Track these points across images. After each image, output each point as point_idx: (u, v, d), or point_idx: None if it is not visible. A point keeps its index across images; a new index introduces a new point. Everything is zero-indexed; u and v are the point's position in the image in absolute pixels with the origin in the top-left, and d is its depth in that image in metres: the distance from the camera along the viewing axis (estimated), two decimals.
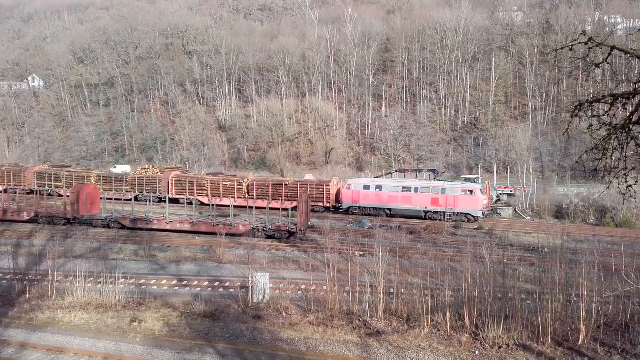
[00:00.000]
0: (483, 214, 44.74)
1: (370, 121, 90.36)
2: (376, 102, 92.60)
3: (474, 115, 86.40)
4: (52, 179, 59.04)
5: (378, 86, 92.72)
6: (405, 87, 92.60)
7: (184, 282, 25.93)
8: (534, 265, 25.77)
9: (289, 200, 49.44)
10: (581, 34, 6.73)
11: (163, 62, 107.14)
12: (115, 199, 44.87)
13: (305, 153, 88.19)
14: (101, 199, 43.03)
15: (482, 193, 45.23)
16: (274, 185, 50.69)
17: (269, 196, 48.96)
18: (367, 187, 48.25)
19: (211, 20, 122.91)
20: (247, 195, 50.61)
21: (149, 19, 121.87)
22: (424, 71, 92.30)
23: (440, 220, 44.25)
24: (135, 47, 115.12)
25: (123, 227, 39.91)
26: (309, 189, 49.53)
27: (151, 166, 66.50)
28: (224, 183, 52.63)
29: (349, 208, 48.47)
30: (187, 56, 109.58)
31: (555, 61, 66.26)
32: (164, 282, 26.15)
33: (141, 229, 38.65)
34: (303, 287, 24.71)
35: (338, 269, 22.58)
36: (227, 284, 25.58)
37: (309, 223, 39.18)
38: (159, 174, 57.50)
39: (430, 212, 45.36)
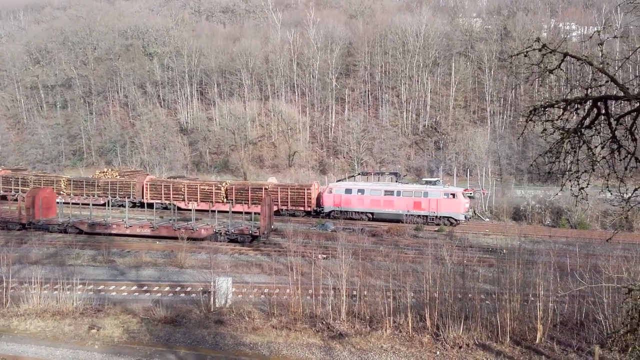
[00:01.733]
0: (465, 217, 44.93)
1: (333, 124, 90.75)
2: (339, 105, 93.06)
3: (434, 119, 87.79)
4: (19, 183, 56.84)
5: (341, 90, 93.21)
6: (368, 90, 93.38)
7: (144, 288, 25.48)
8: (492, 266, 26.34)
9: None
10: (535, 40, 6.93)
11: (122, 63, 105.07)
12: (83, 204, 43.64)
13: (268, 156, 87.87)
14: (64, 203, 41.91)
15: (464, 196, 45.50)
16: (254, 190, 49.87)
17: (248, 200, 48.50)
18: (348, 191, 47.81)
19: (172, 21, 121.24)
20: (225, 200, 49.72)
21: (108, 19, 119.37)
22: (385, 75, 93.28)
23: (423, 223, 44.33)
24: (93, 47, 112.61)
25: (81, 232, 38.95)
26: (289, 193, 49.13)
27: (110, 169, 64.97)
28: (202, 187, 51.53)
29: (330, 212, 47.98)
30: (147, 58, 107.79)
31: (512, 67, 68.05)
32: (124, 287, 25.65)
33: (100, 234, 37.89)
34: (266, 290, 24.62)
35: (301, 272, 22.61)
36: (189, 289, 25.26)
37: (272, 226, 39.05)
38: (127, 177, 56.31)
39: (413, 215, 45.14)
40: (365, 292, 21.95)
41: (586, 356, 17.53)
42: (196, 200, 50.02)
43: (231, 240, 36.46)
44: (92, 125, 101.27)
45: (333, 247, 29.07)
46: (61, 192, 54.69)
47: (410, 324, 19.30)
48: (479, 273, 24.36)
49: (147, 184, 53.03)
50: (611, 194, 7.50)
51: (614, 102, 7.15)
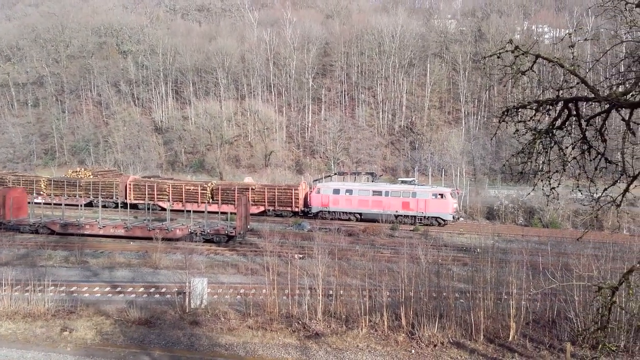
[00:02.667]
0: (453, 218, 45.11)
1: (309, 124, 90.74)
2: (316, 105, 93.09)
3: (410, 120, 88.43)
4: None
5: (317, 90, 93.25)
6: (344, 91, 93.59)
7: (118, 289, 25.15)
8: (467, 265, 26.66)
9: (255, 205, 48.73)
10: (508, 42, 7.03)
11: (96, 61, 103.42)
12: (66, 205, 42.77)
13: (244, 156, 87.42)
14: (30, 204, 41.09)
15: (452, 197, 45.68)
16: (240, 190, 49.32)
17: (234, 201, 48.16)
18: (337, 192, 47.60)
19: (147, 19, 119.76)
20: (211, 200, 49.17)
21: (81, 16, 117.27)
22: (362, 75, 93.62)
23: (412, 224, 44.42)
24: (66, 45, 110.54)
25: (53, 233, 38.28)
26: (276, 193, 48.77)
27: (83, 169, 63.93)
28: (187, 187, 50.91)
29: (318, 212, 47.77)
30: (121, 56, 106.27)
31: (486, 68, 68.96)
32: (97, 289, 25.29)
33: (72, 234, 37.28)
34: (242, 291, 24.51)
35: (277, 272, 22.56)
36: (164, 290, 25.01)
37: (248, 226, 38.89)
38: (110, 177, 55.46)
39: (401, 215, 45.27)
40: (342, 292, 22.01)
41: (558, 353, 17.86)
42: (181, 201, 49.42)
43: (207, 241, 36.20)
44: (64, 124, 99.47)
45: (309, 247, 29.06)
46: (41, 193, 53.69)
47: (385, 323, 19.41)
48: (453, 272, 24.65)
49: (130, 184, 52.20)
50: (582, 193, 7.66)
51: (584, 103, 7.30)
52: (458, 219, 46.42)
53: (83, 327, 19.68)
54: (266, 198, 48.75)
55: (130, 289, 25.16)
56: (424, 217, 44.92)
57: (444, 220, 44.71)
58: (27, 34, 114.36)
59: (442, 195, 45.05)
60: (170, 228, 36.43)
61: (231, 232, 35.97)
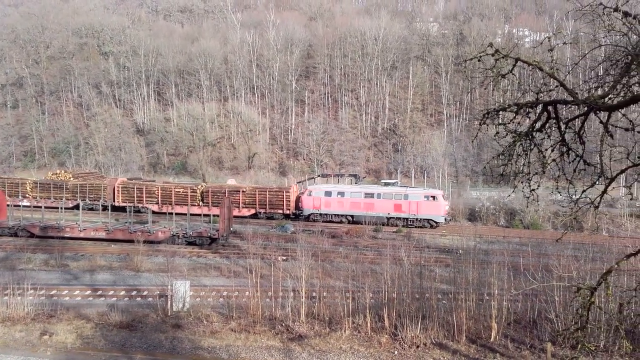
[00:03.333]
0: (445, 220, 45.15)
1: (293, 126, 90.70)
2: (299, 107, 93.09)
3: (392, 122, 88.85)
4: None
5: (300, 92, 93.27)
6: (328, 93, 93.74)
7: (99, 292, 24.88)
8: (449, 266, 26.82)
9: (246, 207, 48.43)
10: (488, 45, 7.12)
11: (76, 62, 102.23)
12: (47, 208, 42.05)
13: (227, 158, 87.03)
14: (9, 207, 40.41)
15: (444, 199, 45.72)
16: (231, 192, 48.97)
17: None
18: (328, 194, 47.37)
19: (128, 20, 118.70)
20: (201, 203, 48.74)
21: (62, 17, 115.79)
22: (345, 78, 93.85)
23: (404, 226, 44.42)
24: (46, 46, 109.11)
25: (32, 236, 37.70)
26: (267, 196, 48.46)
27: (63, 171, 63.06)
28: (177, 190, 50.33)
29: (309, 215, 47.56)
30: (102, 57, 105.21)
31: (467, 71, 69.65)
32: (77, 292, 24.98)
33: (52, 237, 36.80)
34: (225, 293, 24.39)
35: (261, 274, 22.50)
36: (145, 293, 24.79)
37: (231, 229, 38.72)
38: (97, 179, 54.78)
39: (393, 218, 45.19)
40: (325, 294, 22.02)
41: (539, 353, 18.06)
42: (170, 204, 48.92)
43: (189, 243, 35.96)
44: (44, 125, 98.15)
45: (293, 249, 29.03)
46: (27, 195, 52.86)
47: (369, 325, 19.47)
48: (435, 273, 24.81)
49: (118, 187, 51.63)
50: (561, 195, 7.77)
51: (563, 106, 7.42)
52: (449, 220, 46.60)
53: (63, 331, 19.43)
54: (257, 200, 48.46)
55: (111, 292, 24.91)
56: (416, 219, 44.87)
57: (436, 222, 44.73)
58: (6, 34, 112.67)
59: (434, 198, 45.05)
60: (152, 231, 36.12)
61: (214, 235, 35.78)
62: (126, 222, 38.87)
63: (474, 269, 20.82)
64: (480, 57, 7.27)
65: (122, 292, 24.99)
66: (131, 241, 33.92)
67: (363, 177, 64.73)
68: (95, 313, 21.34)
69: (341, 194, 47.29)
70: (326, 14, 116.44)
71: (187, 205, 46.84)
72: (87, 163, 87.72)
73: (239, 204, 48.42)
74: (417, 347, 18.35)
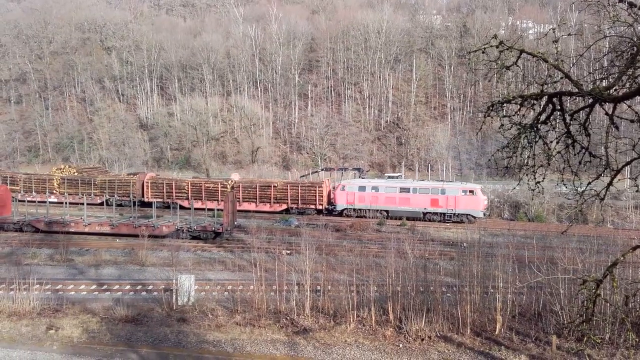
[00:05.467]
0: (484, 215, 44.78)
1: (296, 120, 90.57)
2: (302, 101, 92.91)
3: (396, 115, 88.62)
4: (8, 182, 54.35)
5: (303, 85, 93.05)
6: (331, 86, 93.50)
7: (104, 287, 24.98)
8: (453, 259, 26.79)
9: (278, 202, 48.30)
10: (492, 37, 7.07)
11: (79, 57, 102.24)
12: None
13: (231, 152, 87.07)
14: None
15: (482, 193, 45.13)
16: (262, 187, 48.85)
17: (256, 199, 47.74)
18: (362, 189, 46.93)
19: (131, 15, 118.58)
20: None
21: (64, 12, 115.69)
22: (348, 71, 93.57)
23: (440, 221, 44.16)
24: (49, 41, 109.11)
25: (37, 231, 37.88)
26: (299, 191, 48.19)
27: (67, 166, 63.19)
28: (207, 185, 50.19)
29: (343, 210, 47.17)
30: (105, 52, 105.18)
31: (471, 63, 69.33)
32: (83, 287, 25.10)
33: (57, 232, 36.91)
34: (230, 287, 24.46)
35: (265, 268, 22.55)
36: (150, 287, 24.88)
37: (236, 223, 38.80)
38: (132, 175, 54.53)
39: (430, 213, 44.87)
40: (329, 287, 22.06)
41: (544, 346, 18.05)
42: (201, 199, 48.74)
43: (194, 237, 36.08)
44: (48, 120, 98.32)
45: (297, 243, 29.09)
46: (54, 192, 52.76)
47: (373, 318, 19.50)
48: (440, 266, 24.80)
49: (147, 182, 51.50)
50: (566, 187, 7.73)
51: (568, 98, 7.37)
52: (489, 216, 46.07)
53: (69, 326, 19.53)
54: (289, 196, 48.21)
55: (116, 287, 25.01)
56: (454, 214, 44.41)
57: (474, 217, 44.30)
58: (9, 30, 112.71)
59: (472, 192, 44.53)
60: (157, 225, 36.23)
61: (218, 229, 35.87)
62: (130, 217, 39.00)
63: (478, 261, 20.80)
64: (485, 49, 7.22)
65: (128, 287, 25.09)
66: (136, 235, 34.05)
67: (367, 171, 64.67)
68: (101, 307, 21.44)
69: (375, 188, 46.77)
70: (328, 7, 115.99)
71: (217, 200, 46.63)
72: (91, 158, 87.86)
73: (270, 199, 48.28)
74: (422, 340, 18.37)
